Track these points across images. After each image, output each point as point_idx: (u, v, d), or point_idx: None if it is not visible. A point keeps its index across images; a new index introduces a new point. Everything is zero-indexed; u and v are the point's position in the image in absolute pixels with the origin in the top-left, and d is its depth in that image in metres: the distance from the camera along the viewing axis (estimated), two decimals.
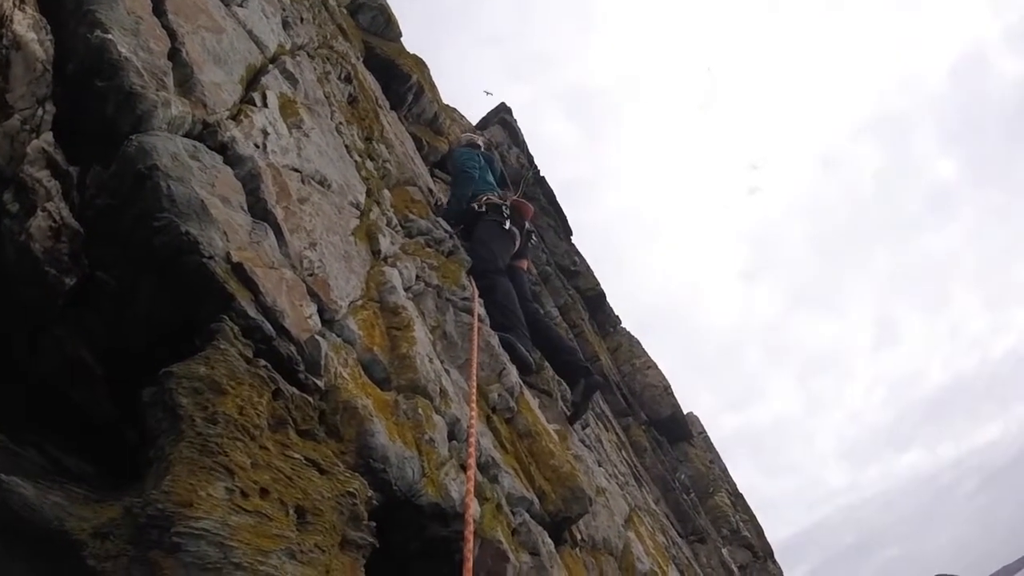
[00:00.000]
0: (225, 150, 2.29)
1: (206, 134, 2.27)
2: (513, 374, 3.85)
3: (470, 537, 2.02)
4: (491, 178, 6.02)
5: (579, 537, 3.87)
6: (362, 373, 2.35)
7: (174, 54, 2.32)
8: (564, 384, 5.56)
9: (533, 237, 6.06)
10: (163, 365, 1.64)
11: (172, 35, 2.36)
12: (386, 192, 4.31)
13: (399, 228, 4.11)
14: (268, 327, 1.84)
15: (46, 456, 1.86)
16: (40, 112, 1.93)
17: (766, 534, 14.52)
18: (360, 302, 2.73)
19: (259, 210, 2.27)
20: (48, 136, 1.93)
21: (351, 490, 1.79)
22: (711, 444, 15.41)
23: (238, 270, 1.86)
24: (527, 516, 3.01)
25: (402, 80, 7.72)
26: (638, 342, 13.63)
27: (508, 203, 5.53)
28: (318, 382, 1.96)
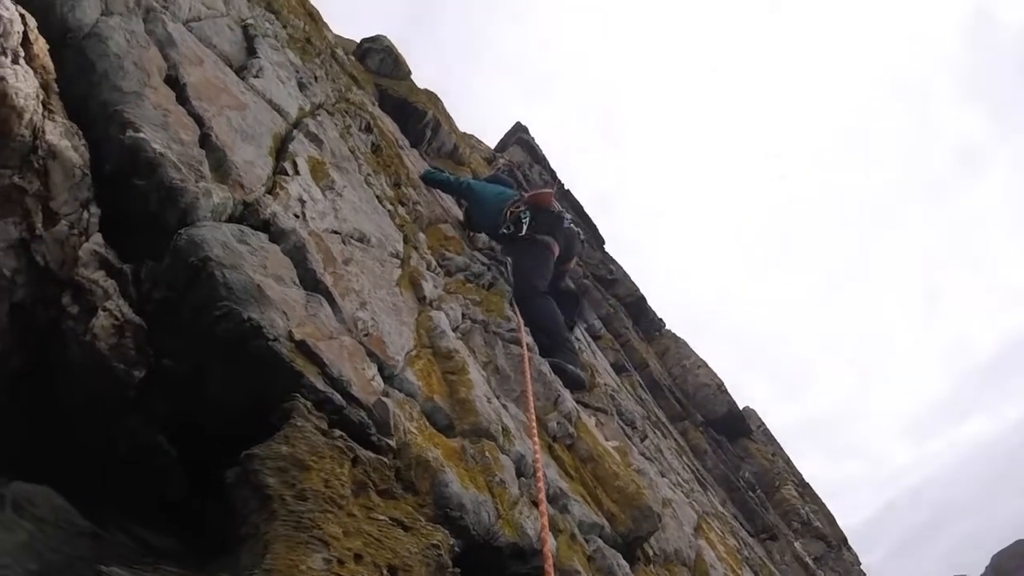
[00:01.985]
0: (268, 227, 2.34)
1: (247, 213, 2.32)
2: (568, 400, 3.89)
3: (551, 571, 2.04)
4: (502, 187, 5.92)
5: (651, 553, 3.87)
6: (427, 424, 2.42)
7: (204, 139, 2.38)
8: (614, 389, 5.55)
9: (574, 228, 5.55)
10: (236, 442, 1.70)
11: (199, 121, 2.42)
12: (421, 235, 4.40)
13: (438, 269, 4.19)
14: (338, 398, 1.92)
15: (132, 537, 1.91)
16: (86, 215, 1.97)
17: (838, 521, 14.21)
18: (414, 351, 2.80)
19: (309, 280, 2.35)
20: (97, 237, 1.97)
21: (435, 542, 1.85)
22: (772, 436, 15.13)
23: (302, 347, 1.93)
24: (600, 542, 3.04)
25: (418, 117, 7.84)
26: (685, 343, 13.50)
27: (525, 205, 5.29)
28: (390, 442, 2.03)
